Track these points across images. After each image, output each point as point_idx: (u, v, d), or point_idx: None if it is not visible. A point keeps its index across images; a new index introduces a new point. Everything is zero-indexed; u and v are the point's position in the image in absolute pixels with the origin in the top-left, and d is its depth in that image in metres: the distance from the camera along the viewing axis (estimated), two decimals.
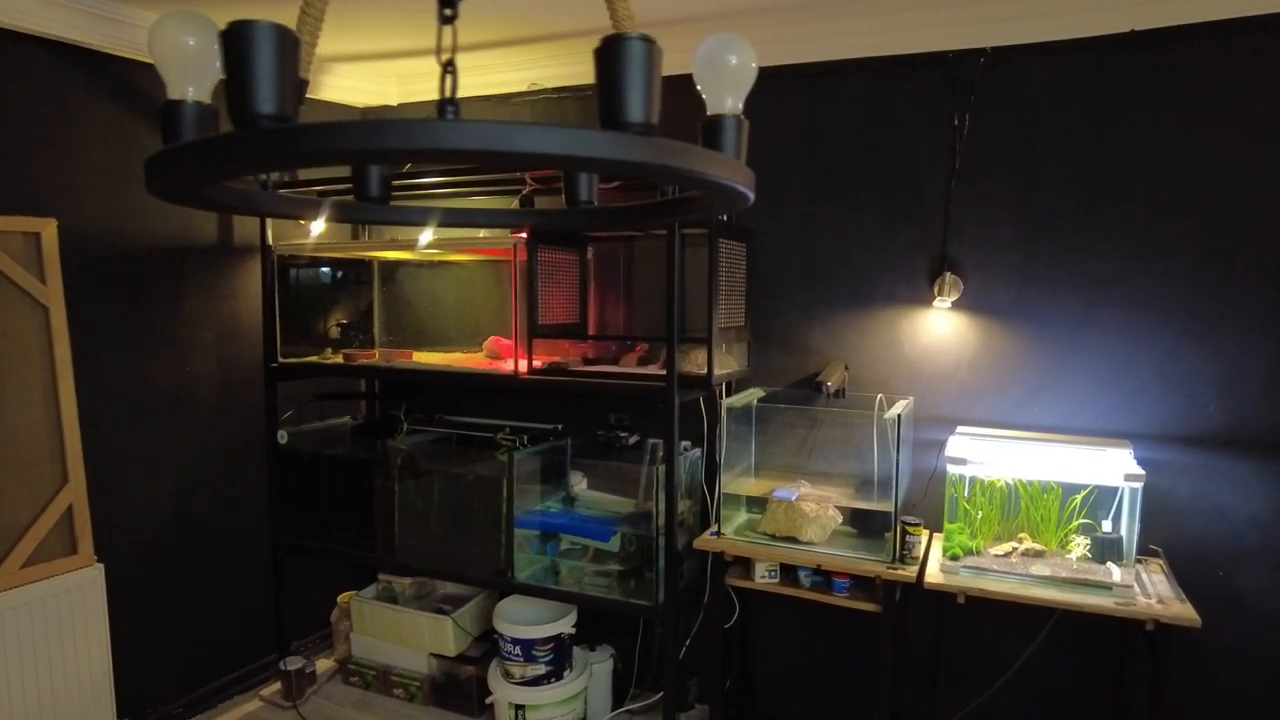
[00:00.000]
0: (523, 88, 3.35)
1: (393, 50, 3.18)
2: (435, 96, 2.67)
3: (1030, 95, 2.61)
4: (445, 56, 0.68)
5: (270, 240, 3.30)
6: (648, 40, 0.63)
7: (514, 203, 2.99)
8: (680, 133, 0.64)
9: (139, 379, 2.96)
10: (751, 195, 0.78)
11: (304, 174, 3.45)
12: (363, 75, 3.52)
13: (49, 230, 2.65)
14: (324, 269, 3.58)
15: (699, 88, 0.90)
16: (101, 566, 2.77)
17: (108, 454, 2.85)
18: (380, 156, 0.58)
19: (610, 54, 0.63)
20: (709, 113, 0.89)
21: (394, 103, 3.71)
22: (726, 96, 0.88)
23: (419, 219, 1.08)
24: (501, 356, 3.08)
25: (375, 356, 3.31)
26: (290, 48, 0.62)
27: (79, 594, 2.70)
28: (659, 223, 1.05)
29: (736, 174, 0.70)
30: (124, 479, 2.92)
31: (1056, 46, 2.55)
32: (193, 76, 0.84)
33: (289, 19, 0.80)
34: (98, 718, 2.77)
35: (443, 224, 1.01)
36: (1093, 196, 2.56)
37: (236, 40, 0.60)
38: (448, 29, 0.69)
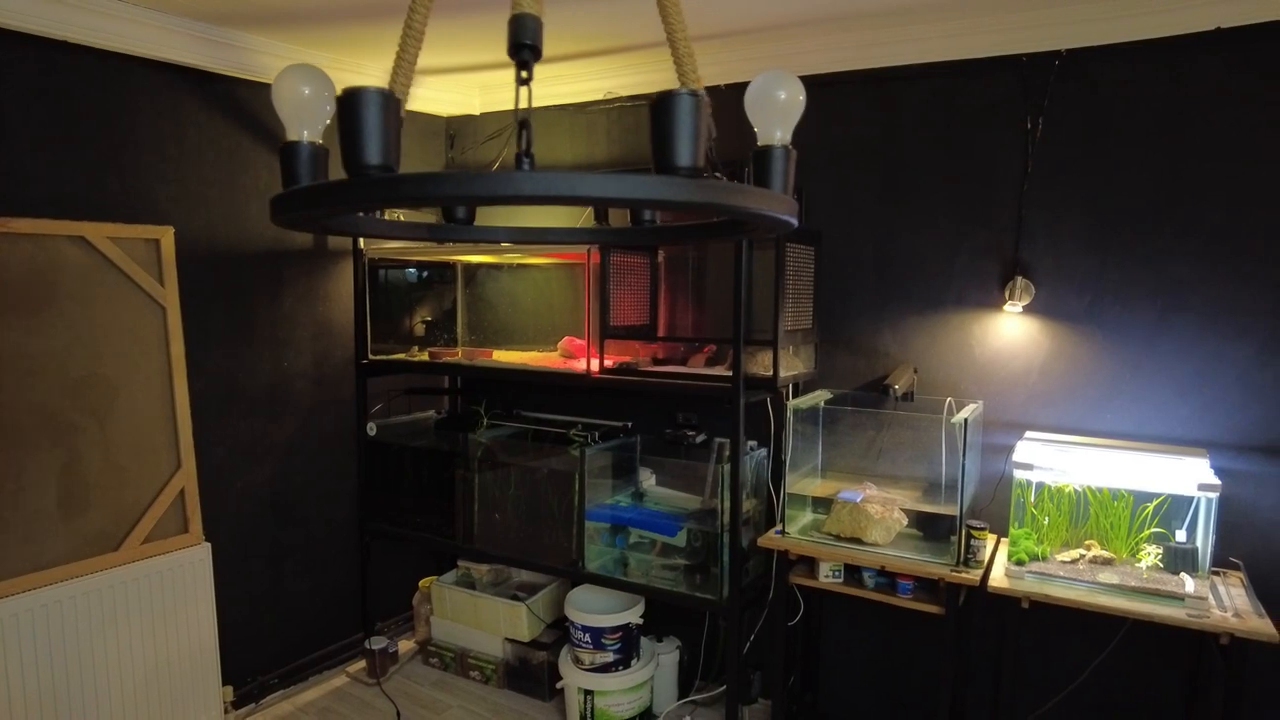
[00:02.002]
0: (599, 96, 3.47)
1: (475, 64, 3.34)
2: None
3: (1105, 97, 2.57)
4: (522, 115, 0.79)
5: (361, 244, 3.51)
6: (695, 94, 0.72)
7: (588, 214, 3.11)
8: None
9: (242, 374, 3.20)
10: (793, 220, 0.86)
11: None
12: (448, 87, 3.70)
13: (167, 237, 2.90)
14: (410, 271, 3.78)
15: (750, 120, 0.98)
16: (209, 545, 3.02)
17: (214, 442, 3.11)
18: (466, 200, 0.68)
19: (662, 108, 0.72)
20: (759, 143, 0.97)
21: (476, 112, 3.89)
22: (775, 129, 0.96)
23: (495, 237, 1.19)
24: (575, 356, 3.21)
25: (458, 355, 3.49)
26: (393, 108, 0.73)
27: (190, 569, 2.95)
28: (714, 239, 1.12)
29: (775, 205, 0.78)
30: (228, 465, 3.17)
31: (1133, 48, 2.51)
32: (307, 121, 0.97)
33: (387, 48, 0.92)
34: (205, 682, 3.02)
35: (515, 241, 1.12)
36: (1169, 201, 2.52)
37: (349, 104, 0.72)
38: (524, 90, 0.79)
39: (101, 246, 2.71)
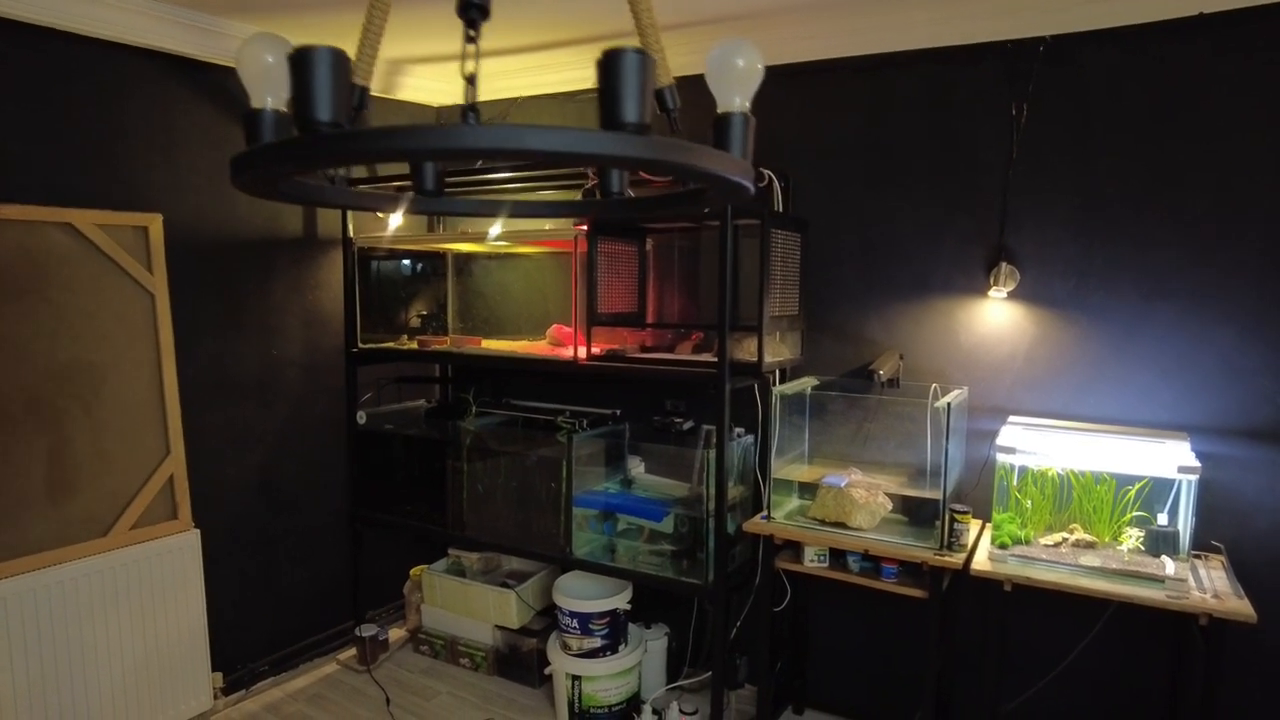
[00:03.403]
0: (586, 85, 3.48)
1: (461, 53, 3.34)
2: (506, 95, 2.85)
3: (1090, 83, 2.58)
4: (469, 72, 0.79)
5: (351, 233, 3.52)
6: (640, 52, 0.73)
7: (579, 196, 3.12)
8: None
9: (232, 361, 3.21)
10: (747, 184, 0.87)
11: (382, 171, 3.67)
12: (436, 76, 3.70)
13: (155, 224, 2.91)
14: (401, 260, 3.79)
15: (710, 88, 0.99)
16: (198, 532, 3.03)
17: (204, 429, 3.12)
18: (417, 155, 0.69)
19: (609, 65, 0.73)
20: (719, 110, 0.98)
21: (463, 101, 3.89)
22: (735, 96, 0.97)
23: (459, 209, 1.20)
24: (563, 344, 3.22)
25: (446, 343, 3.50)
26: (343, 66, 0.74)
27: (179, 555, 2.96)
28: (676, 210, 1.12)
29: (726, 165, 0.79)
30: (218, 453, 3.18)
31: (1117, 33, 2.52)
32: (271, 89, 0.97)
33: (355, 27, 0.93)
34: (195, 668, 3.04)
35: (478, 214, 1.12)
36: (1154, 186, 2.52)
37: (299, 62, 0.73)
38: (471, 49, 0.80)
39: (89, 233, 2.72)
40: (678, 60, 1.67)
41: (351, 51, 0.94)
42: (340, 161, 0.72)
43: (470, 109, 0.80)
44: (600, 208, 1.09)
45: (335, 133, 0.70)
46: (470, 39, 0.81)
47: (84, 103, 2.70)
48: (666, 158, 0.72)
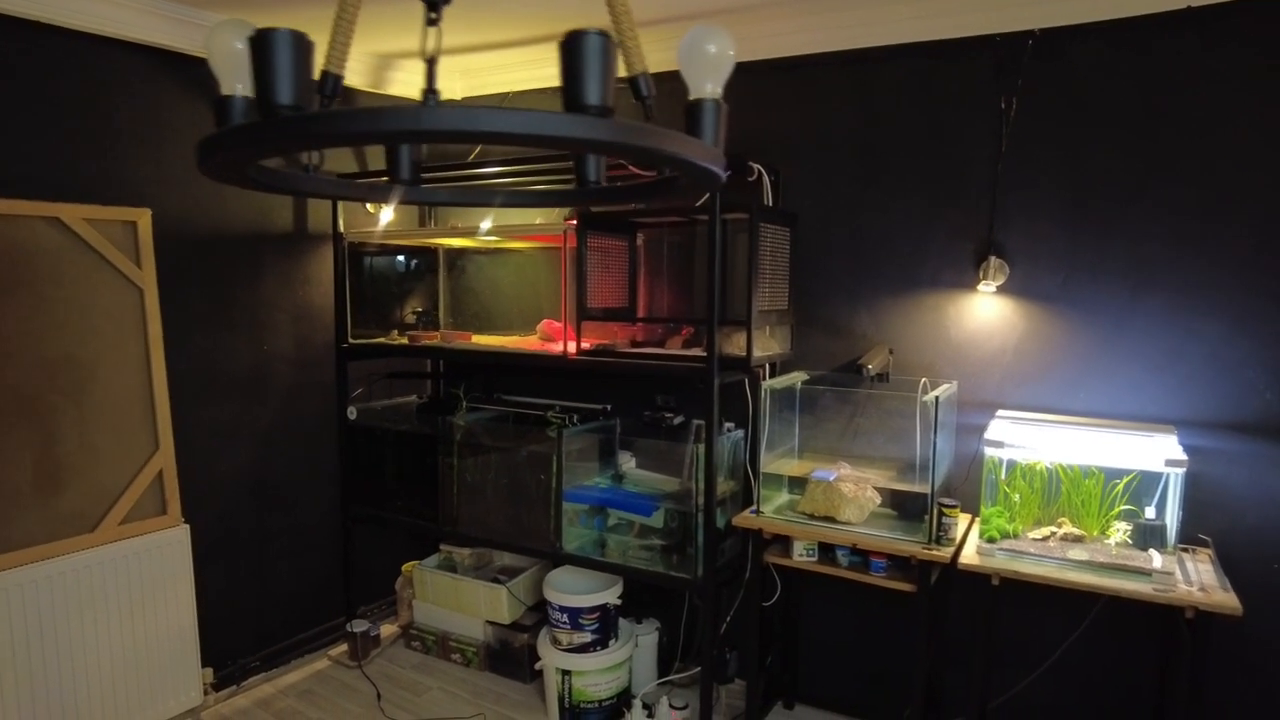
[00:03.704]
0: None
1: (456, 46, 3.34)
2: (500, 89, 2.84)
3: (1079, 77, 2.58)
4: (429, 54, 0.79)
5: (341, 227, 3.51)
6: (603, 34, 0.72)
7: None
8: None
9: (222, 356, 3.21)
10: (716, 170, 0.87)
11: (372, 165, 3.66)
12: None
13: (144, 219, 2.90)
14: (392, 256, 3.78)
15: (683, 75, 0.99)
16: (188, 527, 3.03)
17: (194, 425, 3.11)
18: (376, 138, 0.69)
19: (570, 46, 0.72)
20: (690, 97, 0.97)
21: (459, 96, 3.89)
22: (706, 82, 0.97)
23: (435, 200, 1.20)
24: (553, 339, 3.22)
25: (437, 338, 3.50)
26: (304, 50, 0.73)
27: (168, 551, 2.96)
28: (646, 200, 1.11)
29: (692, 150, 0.78)
30: (208, 448, 3.18)
31: (1105, 27, 2.52)
32: (240, 75, 0.97)
33: (369, 31, 0.93)
34: (185, 664, 3.03)
35: (455, 203, 1.12)
36: (1143, 180, 2.52)
37: (260, 46, 0.72)
38: (433, 30, 0.79)
39: (77, 228, 2.71)
40: (666, 55, 1.67)
41: (352, 48, 0.93)
42: (300, 145, 0.72)
43: (430, 92, 0.80)
44: (574, 198, 1.09)
45: (295, 115, 0.70)
46: (431, 21, 0.81)
47: (72, 97, 2.69)
48: (628, 141, 0.72)
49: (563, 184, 3.14)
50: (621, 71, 1.12)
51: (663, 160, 0.79)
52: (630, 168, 2.26)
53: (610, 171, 2.59)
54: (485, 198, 1.18)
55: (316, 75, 0.92)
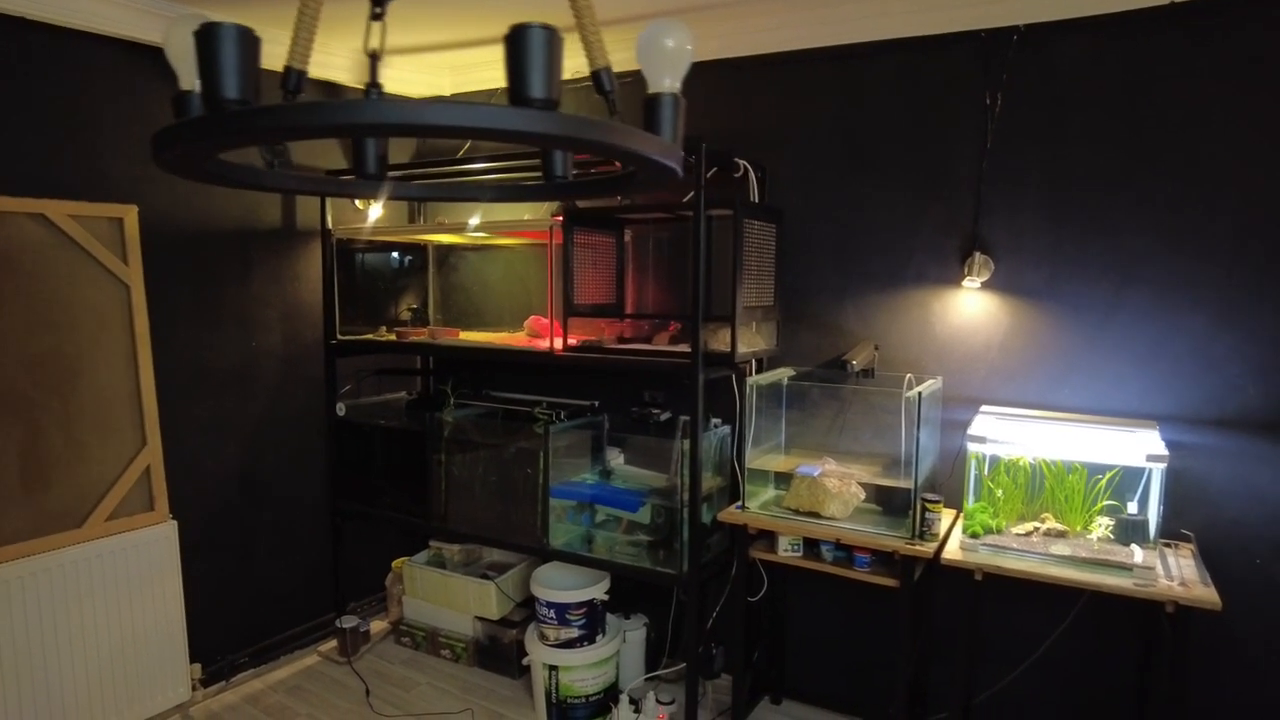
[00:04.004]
0: (568, 76, 3.45)
1: (445, 42, 3.33)
2: (489, 85, 2.84)
3: (1063, 73, 2.58)
4: (372, 48, 0.79)
5: (329, 224, 3.51)
6: (547, 28, 0.72)
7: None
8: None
9: (210, 353, 3.21)
10: (671, 164, 0.87)
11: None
12: (417, 67, 3.69)
13: (130, 216, 2.90)
14: (380, 252, 3.78)
15: (642, 69, 0.99)
16: (175, 523, 3.03)
17: (182, 421, 3.11)
18: (318, 131, 0.69)
19: (516, 40, 0.73)
20: (649, 91, 0.98)
21: (448, 93, 3.88)
22: (664, 77, 0.97)
23: (407, 194, 1.20)
24: (540, 335, 3.22)
25: (425, 334, 3.50)
26: (250, 44, 0.74)
27: (155, 547, 2.96)
28: (604, 194, 1.11)
29: (643, 143, 0.79)
30: (196, 444, 3.18)
31: (1090, 22, 2.51)
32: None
33: (354, 26, 0.93)
34: (173, 659, 3.04)
35: (423, 199, 1.12)
36: (1127, 175, 2.52)
37: (204, 39, 0.73)
38: (376, 25, 0.80)
39: (62, 224, 2.72)
40: None
41: (334, 44, 0.94)
42: (246, 140, 0.72)
43: (374, 86, 0.80)
44: (540, 193, 1.09)
45: (240, 110, 0.70)
46: (376, 15, 0.81)
47: (58, 94, 2.69)
48: (572, 134, 0.72)
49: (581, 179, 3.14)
50: (587, 67, 1.13)
51: (612, 154, 0.79)
52: (618, 164, 2.26)
53: (600, 168, 2.60)
54: (451, 192, 1.18)
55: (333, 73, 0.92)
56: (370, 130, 0.66)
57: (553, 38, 0.73)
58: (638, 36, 0.97)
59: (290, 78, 1.02)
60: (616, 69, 1.10)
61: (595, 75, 1.07)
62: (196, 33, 0.74)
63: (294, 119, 0.65)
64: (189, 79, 0.97)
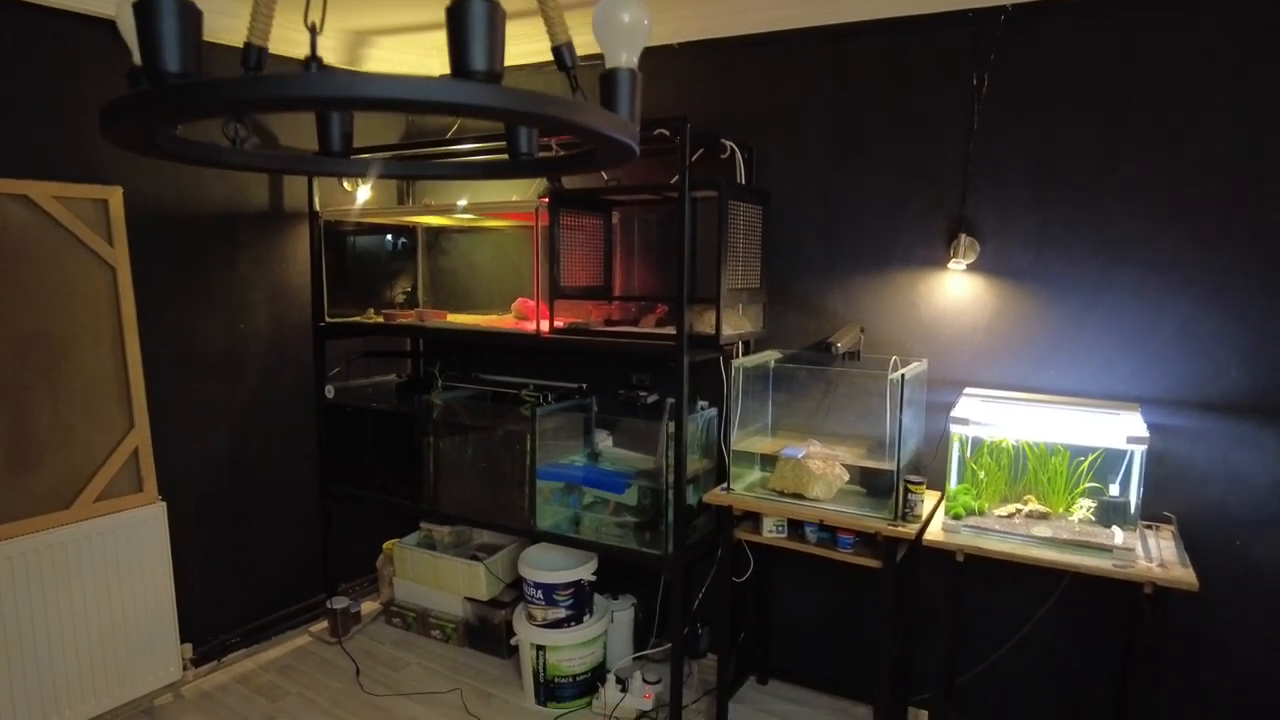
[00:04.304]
0: (537, 59, 3.42)
1: (432, 22, 3.31)
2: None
3: (1051, 53, 2.56)
4: (311, 21, 0.79)
5: (317, 205, 3.50)
6: (490, 1, 0.72)
7: (539, 184, 3.09)
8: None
9: (198, 335, 3.21)
10: (626, 140, 0.86)
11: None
12: (404, 48, 3.67)
13: (115, 197, 2.89)
14: (369, 234, 3.77)
15: (598, 43, 0.98)
16: (164, 504, 3.04)
17: (170, 403, 3.12)
18: (256, 105, 0.69)
19: (458, 13, 0.72)
20: (606, 66, 0.97)
21: (435, 74, 3.86)
22: (621, 52, 0.96)
23: (363, 171, 1.20)
24: (528, 317, 3.22)
25: (413, 316, 3.50)
26: (190, 17, 0.73)
27: (144, 528, 2.98)
28: (563, 171, 1.11)
29: (591, 118, 0.78)
30: (184, 426, 3.19)
31: (1077, 3, 2.49)
32: None
33: (344, 8, 0.92)
34: (163, 640, 3.06)
35: (385, 177, 1.12)
36: (1113, 157, 2.51)
37: (144, 12, 0.72)
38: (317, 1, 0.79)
39: (47, 206, 2.71)
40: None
41: (324, 26, 0.93)
42: (184, 114, 0.72)
43: (313, 59, 0.80)
44: (500, 170, 1.09)
45: (182, 85, 0.70)
46: None
47: (41, 74, 2.68)
48: (515, 107, 0.71)
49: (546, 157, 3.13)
50: (549, 42, 1.12)
51: (561, 129, 0.79)
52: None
53: (581, 147, 2.59)
54: (419, 170, 1.18)
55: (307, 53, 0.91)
56: (308, 104, 0.66)
57: (494, 10, 0.72)
58: (594, 11, 0.97)
59: (250, 54, 1.02)
60: (583, 52, 1.09)
61: (556, 51, 1.06)
62: (135, 5, 0.74)
63: (228, 92, 0.65)
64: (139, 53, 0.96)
